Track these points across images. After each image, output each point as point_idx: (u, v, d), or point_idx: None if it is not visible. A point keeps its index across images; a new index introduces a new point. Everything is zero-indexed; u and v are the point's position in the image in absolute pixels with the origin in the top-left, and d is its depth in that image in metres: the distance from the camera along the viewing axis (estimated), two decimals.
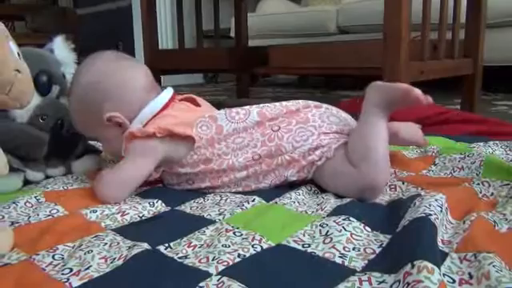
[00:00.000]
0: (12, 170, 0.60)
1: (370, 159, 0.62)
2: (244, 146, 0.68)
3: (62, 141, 0.77)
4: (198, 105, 0.77)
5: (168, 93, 0.74)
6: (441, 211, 0.51)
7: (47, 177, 0.77)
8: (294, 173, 0.67)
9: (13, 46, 0.52)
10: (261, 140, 0.68)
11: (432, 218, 0.48)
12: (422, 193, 0.59)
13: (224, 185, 0.69)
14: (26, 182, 0.74)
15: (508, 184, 0.63)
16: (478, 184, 0.64)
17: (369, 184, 0.62)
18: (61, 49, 0.81)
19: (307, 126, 0.68)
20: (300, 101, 0.73)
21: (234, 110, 0.71)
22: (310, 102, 0.73)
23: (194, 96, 0.78)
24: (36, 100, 0.73)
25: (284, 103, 0.72)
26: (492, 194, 0.62)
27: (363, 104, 0.67)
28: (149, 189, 0.71)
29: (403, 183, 0.67)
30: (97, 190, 0.66)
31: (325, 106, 0.72)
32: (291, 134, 0.67)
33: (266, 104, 0.72)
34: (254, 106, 0.72)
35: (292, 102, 0.72)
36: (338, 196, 0.64)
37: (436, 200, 0.53)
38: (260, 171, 0.68)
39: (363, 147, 0.63)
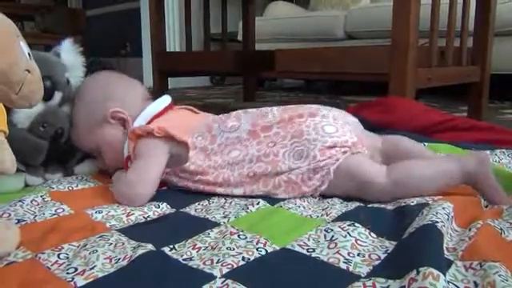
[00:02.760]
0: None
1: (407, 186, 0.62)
2: (240, 161, 0.68)
3: (60, 150, 0.77)
4: (195, 113, 0.80)
5: (167, 98, 0.78)
6: (447, 219, 0.51)
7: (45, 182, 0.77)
8: (296, 195, 0.66)
9: (23, 45, 0.52)
10: (256, 155, 0.67)
11: (439, 225, 0.48)
12: (430, 201, 0.58)
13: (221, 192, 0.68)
14: (26, 185, 0.74)
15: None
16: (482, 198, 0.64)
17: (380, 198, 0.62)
18: (68, 52, 0.80)
19: (301, 140, 0.66)
20: (294, 106, 0.73)
21: (229, 119, 0.72)
22: (304, 107, 0.71)
23: (191, 107, 0.81)
24: (38, 107, 0.72)
25: (280, 110, 0.72)
26: None
27: (461, 157, 0.65)
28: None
29: None
30: (120, 193, 0.65)
31: (321, 113, 0.69)
32: (286, 150, 0.66)
33: (262, 110, 0.73)
34: (245, 111, 0.73)
35: (289, 108, 0.72)
36: (344, 201, 0.64)
37: (443, 208, 0.53)
38: (257, 191, 0.66)
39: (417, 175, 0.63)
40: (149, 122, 0.72)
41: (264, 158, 0.67)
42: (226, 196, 0.67)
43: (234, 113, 0.74)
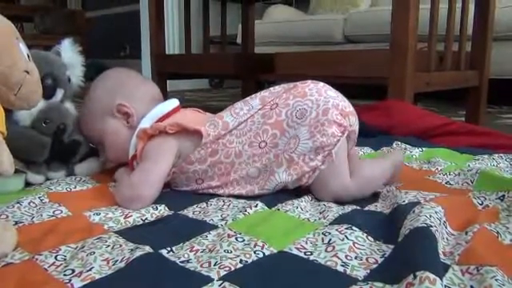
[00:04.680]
0: (14, 171, 0.60)
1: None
2: (247, 131, 0.70)
3: (63, 146, 0.77)
4: (202, 114, 0.80)
5: (175, 100, 0.78)
6: (439, 224, 0.51)
7: (48, 180, 0.77)
8: (294, 179, 0.67)
9: (23, 47, 0.53)
10: (261, 121, 0.70)
11: (433, 229, 0.48)
12: (422, 200, 0.58)
13: (234, 181, 0.69)
14: (27, 185, 0.74)
15: (503, 196, 0.62)
16: (474, 198, 0.64)
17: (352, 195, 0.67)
18: (68, 51, 0.81)
19: (304, 99, 0.69)
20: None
21: (238, 106, 0.73)
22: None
23: (197, 109, 0.81)
24: (40, 104, 0.72)
25: (286, 85, 0.74)
26: (487, 206, 0.62)
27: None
28: None
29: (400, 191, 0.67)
30: (122, 195, 0.64)
31: (323, 83, 0.73)
32: (289, 109, 0.69)
33: (269, 88, 0.74)
34: (251, 97, 0.74)
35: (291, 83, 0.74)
36: (340, 204, 0.65)
37: (436, 212, 0.53)
38: (270, 168, 0.68)
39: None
40: (157, 122, 0.72)
41: (268, 119, 0.69)
42: (224, 198, 0.67)
43: (238, 103, 0.75)
